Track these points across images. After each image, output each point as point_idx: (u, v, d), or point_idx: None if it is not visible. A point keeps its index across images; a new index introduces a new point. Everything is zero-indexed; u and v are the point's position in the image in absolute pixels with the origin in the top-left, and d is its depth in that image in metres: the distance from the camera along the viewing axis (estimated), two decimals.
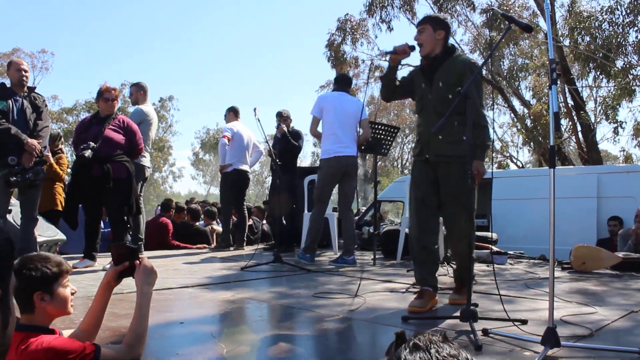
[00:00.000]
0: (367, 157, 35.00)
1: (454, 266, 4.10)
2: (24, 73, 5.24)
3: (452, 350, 0.95)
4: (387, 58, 4.01)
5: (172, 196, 41.03)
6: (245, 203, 8.08)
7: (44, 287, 1.90)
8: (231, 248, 7.81)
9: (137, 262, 2.12)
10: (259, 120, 6.14)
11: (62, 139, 7.99)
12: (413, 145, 3.90)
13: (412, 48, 3.84)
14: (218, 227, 9.21)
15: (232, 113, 8.10)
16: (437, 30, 3.80)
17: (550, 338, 2.50)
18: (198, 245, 8.47)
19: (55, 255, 2.05)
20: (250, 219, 9.14)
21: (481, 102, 3.72)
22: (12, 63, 5.32)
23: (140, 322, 2.03)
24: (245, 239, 8.04)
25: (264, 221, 10.35)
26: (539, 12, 17.99)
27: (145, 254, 6.81)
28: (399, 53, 3.85)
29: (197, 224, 9.44)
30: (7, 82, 5.30)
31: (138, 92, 6.76)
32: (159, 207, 9.55)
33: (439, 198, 3.79)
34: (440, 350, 0.95)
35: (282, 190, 7.22)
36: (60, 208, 7.22)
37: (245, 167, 7.88)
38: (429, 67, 3.84)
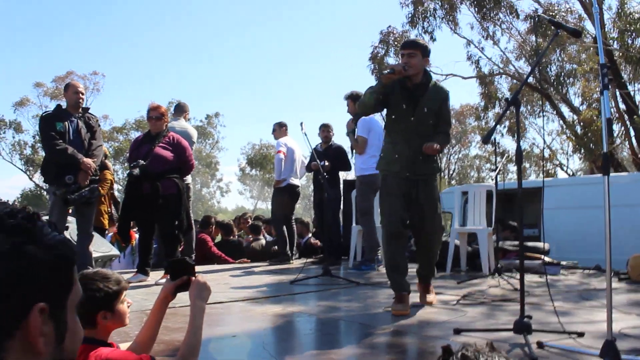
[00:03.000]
0: None
1: (421, 271, 4.41)
2: (80, 95, 5.44)
3: (501, 358, 0.94)
4: (380, 75, 4.28)
5: (220, 211, 41.66)
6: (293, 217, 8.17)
7: (107, 307, 1.97)
8: (291, 262, 7.86)
9: (193, 277, 2.16)
10: (305, 135, 6.19)
11: (108, 156, 8.25)
12: (384, 160, 4.32)
13: (406, 70, 4.09)
14: (261, 241, 9.26)
15: (283, 128, 8.21)
16: (424, 57, 4.14)
17: (610, 352, 2.42)
18: (241, 260, 8.51)
19: (112, 272, 2.11)
20: None
21: (449, 125, 4.38)
22: (70, 86, 5.52)
23: (194, 335, 2.06)
24: (294, 252, 8.10)
25: (310, 235, 10.36)
26: (585, 16, 17.57)
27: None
28: (397, 73, 4.06)
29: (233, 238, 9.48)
30: (63, 104, 5.50)
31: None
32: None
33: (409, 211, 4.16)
34: (491, 358, 0.94)
35: (329, 204, 7.24)
36: (104, 225, 7.45)
37: (297, 182, 8.03)
38: (413, 91, 4.14)
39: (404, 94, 4.13)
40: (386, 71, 4.17)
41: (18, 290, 0.91)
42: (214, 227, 9.13)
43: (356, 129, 6.86)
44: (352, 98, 7.15)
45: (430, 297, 4.35)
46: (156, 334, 2.23)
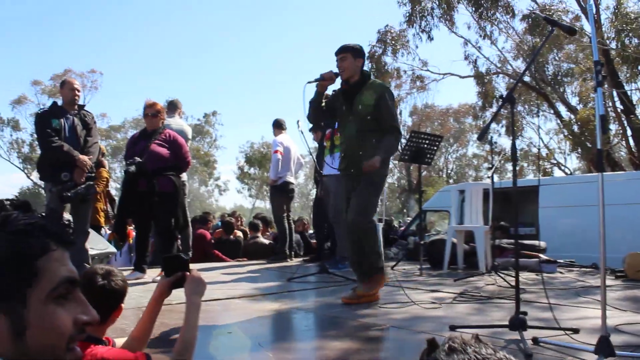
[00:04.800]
0: (411, 167, 34.79)
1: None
2: (76, 92, 5.43)
3: (488, 349, 0.95)
4: (315, 85, 4.40)
5: (218, 210, 41.61)
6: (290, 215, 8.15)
7: (120, 304, 1.98)
8: (289, 260, 7.85)
9: (188, 273, 2.16)
10: (302, 132, 6.19)
11: (104, 154, 8.25)
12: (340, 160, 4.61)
13: (337, 75, 4.34)
14: (260, 239, 9.26)
15: (278, 126, 8.19)
16: (356, 58, 4.32)
17: (604, 347, 2.42)
18: (238, 259, 8.49)
19: (117, 269, 2.12)
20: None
21: (395, 117, 4.34)
22: (66, 82, 5.51)
23: (189, 331, 2.06)
24: (294, 250, 8.11)
25: (310, 232, 10.36)
26: (582, 15, 17.63)
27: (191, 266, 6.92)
28: (327, 80, 4.32)
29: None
30: (59, 101, 5.50)
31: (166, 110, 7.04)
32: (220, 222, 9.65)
33: None
34: (477, 349, 0.94)
35: (326, 201, 7.25)
36: (100, 222, 7.45)
37: (291, 179, 8.00)
38: (349, 92, 4.35)
39: (343, 96, 4.40)
40: (313, 79, 4.36)
41: None
42: (211, 224, 9.15)
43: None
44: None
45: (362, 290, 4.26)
46: (151, 330, 2.23)
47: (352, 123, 4.31)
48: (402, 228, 11.86)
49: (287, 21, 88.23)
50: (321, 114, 4.55)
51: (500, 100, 3.28)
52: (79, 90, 5.50)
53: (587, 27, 16.49)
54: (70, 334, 1.00)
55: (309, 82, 4.36)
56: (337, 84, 4.49)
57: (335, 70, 4.35)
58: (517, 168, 3.28)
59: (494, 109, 22.20)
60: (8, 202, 1.01)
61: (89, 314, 1.04)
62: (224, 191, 49.32)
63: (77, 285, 1.03)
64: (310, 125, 7.89)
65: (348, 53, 4.30)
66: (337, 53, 4.36)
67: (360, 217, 4.16)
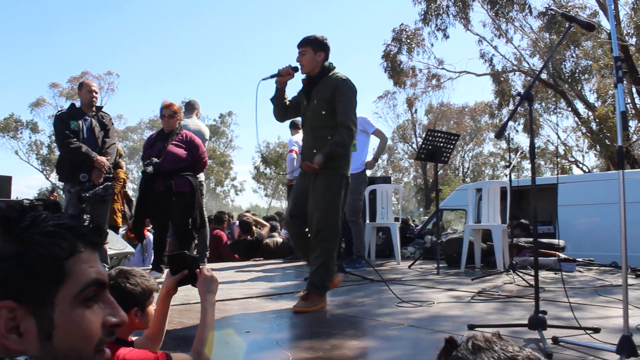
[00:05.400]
0: (427, 166, 34.65)
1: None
2: (94, 94, 5.48)
3: (514, 347, 0.93)
4: (274, 81, 4.27)
5: (234, 210, 41.73)
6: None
7: (140, 304, 1.98)
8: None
9: (198, 270, 2.17)
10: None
11: (122, 155, 8.33)
12: None
13: (296, 69, 4.18)
14: (277, 238, 9.26)
15: (295, 127, 8.17)
16: (317, 52, 4.11)
17: (626, 347, 2.39)
18: (253, 259, 8.49)
19: (147, 273, 2.12)
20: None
21: (347, 113, 4.00)
22: (84, 84, 5.56)
23: (206, 330, 2.07)
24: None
25: None
26: (599, 11, 17.42)
27: (207, 266, 6.96)
28: (284, 75, 4.19)
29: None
30: (77, 103, 5.55)
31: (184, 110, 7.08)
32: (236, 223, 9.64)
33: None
34: (504, 346, 0.92)
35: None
36: (118, 223, 7.51)
37: None
38: (309, 86, 4.16)
39: (303, 91, 4.25)
40: (269, 75, 4.24)
41: None
42: (227, 223, 9.17)
43: None
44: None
45: (300, 305, 3.90)
46: (164, 328, 2.24)
47: (309, 119, 4.16)
48: (419, 227, 11.82)
49: (301, 22, 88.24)
50: (285, 110, 4.36)
51: (518, 98, 3.25)
52: (96, 92, 5.55)
53: (605, 23, 16.34)
54: (99, 336, 1.00)
55: (264, 79, 4.23)
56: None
57: (295, 64, 4.18)
58: (535, 166, 3.25)
59: (511, 106, 22.04)
60: (40, 202, 1.01)
61: (118, 316, 1.03)
62: (240, 191, 49.46)
63: (106, 286, 1.03)
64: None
65: (308, 47, 4.10)
66: (298, 46, 4.16)
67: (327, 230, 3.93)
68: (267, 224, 9.31)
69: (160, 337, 2.23)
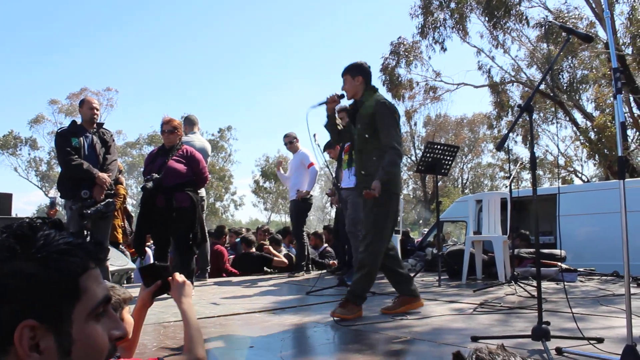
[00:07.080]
0: (426, 178, 34.64)
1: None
2: (95, 111, 5.49)
3: (517, 358, 0.94)
4: (325, 108, 4.48)
5: (234, 224, 41.64)
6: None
7: None
8: (306, 274, 7.78)
9: (170, 278, 2.19)
10: (319, 146, 6.20)
11: (121, 171, 8.33)
12: None
13: (342, 96, 4.40)
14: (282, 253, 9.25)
15: (295, 141, 8.10)
16: (355, 77, 4.33)
17: (630, 356, 2.40)
18: (255, 275, 8.45)
19: (118, 285, 2.15)
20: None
21: (390, 133, 4.14)
22: (85, 102, 5.57)
23: (191, 328, 2.08)
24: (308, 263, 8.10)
25: (326, 245, 10.31)
26: (596, 21, 17.52)
27: (209, 281, 6.96)
28: (330, 102, 4.39)
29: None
30: (78, 120, 5.57)
31: (185, 126, 7.07)
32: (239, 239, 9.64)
33: None
34: (506, 358, 0.93)
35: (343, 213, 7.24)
36: (118, 239, 7.51)
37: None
38: (354, 111, 4.42)
39: (350, 116, 4.51)
40: (317, 104, 4.47)
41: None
42: (227, 237, 9.15)
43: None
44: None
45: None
46: (137, 339, 2.26)
47: (357, 143, 4.39)
48: (419, 239, 11.82)
49: (300, 36, 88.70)
50: (338, 135, 4.61)
51: (517, 109, 3.27)
52: (97, 109, 5.56)
53: (602, 33, 16.42)
54: (109, 349, 1.03)
55: (313, 107, 4.49)
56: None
57: (341, 92, 4.41)
58: (536, 177, 3.26)
59: (509, 117, 22.11)
60: (46, 221, 1.03)
61: (121, 329, 1.06)
62: (240, 206, 49.38)
63: (110, 301, 1.06)
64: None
65: (347, 74, 4.35)
66: (341, 75, 4.42)
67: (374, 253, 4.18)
68: (283, 249, 9.37)
69: (133, 348, 2.25)
